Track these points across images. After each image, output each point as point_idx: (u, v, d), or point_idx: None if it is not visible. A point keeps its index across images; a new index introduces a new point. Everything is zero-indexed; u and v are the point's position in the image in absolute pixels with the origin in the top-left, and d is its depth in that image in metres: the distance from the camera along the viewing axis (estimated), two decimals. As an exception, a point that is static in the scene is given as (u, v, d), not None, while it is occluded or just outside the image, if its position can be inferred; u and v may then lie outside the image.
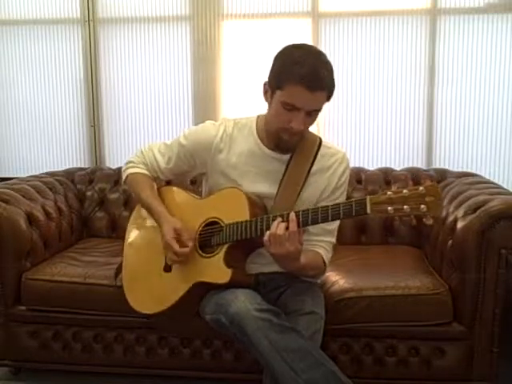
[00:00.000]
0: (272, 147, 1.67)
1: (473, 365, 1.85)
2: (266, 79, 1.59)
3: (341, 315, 1.85)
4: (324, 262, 1.70)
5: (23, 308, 2.04)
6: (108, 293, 1.96)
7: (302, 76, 1.47)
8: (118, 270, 1.94)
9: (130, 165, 1.86)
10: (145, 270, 1.80)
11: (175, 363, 2.00)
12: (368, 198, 1.36)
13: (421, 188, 1.29)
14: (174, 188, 1.88)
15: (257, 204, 1.64)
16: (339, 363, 1.79)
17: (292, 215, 1.46)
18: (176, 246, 1.61)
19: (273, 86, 1.56)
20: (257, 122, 1.72)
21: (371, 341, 1.89)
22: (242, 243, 1.59)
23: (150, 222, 1.82)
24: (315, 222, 1.46)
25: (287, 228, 1.45)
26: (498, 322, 1.81)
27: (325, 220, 1.45)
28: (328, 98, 1.55)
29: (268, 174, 1.69)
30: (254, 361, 1.58)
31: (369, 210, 1.35)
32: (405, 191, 1.30)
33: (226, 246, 1.61)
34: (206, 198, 1.78)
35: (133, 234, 1.91)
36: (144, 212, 1.84)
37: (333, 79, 1.53)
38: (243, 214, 1.59)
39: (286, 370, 1.45)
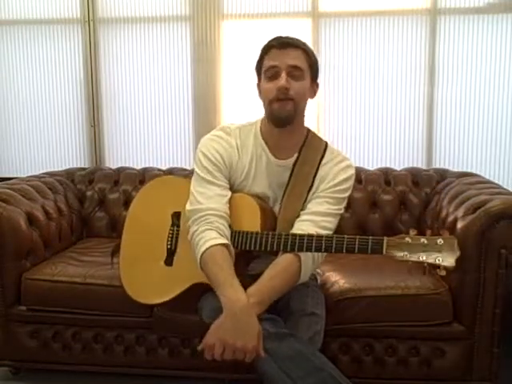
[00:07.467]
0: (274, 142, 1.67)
1: (473, 365, 1.86)
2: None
3: (341, 315, 1.85)
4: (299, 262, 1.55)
5: (23, 308, 2.04)
6: (108, 293, 1.96)
7: (270, 43, 1.60)
8: (115, 250, 1.92)
9: (202, 241, 1.55)
10: (144, 258, 1.78)
11: (175, 363, 2.00)
12: (385, 239, 1.38)
13: (439, 240, 1.31)
14: (170, 177, 1.79)
15: (268, 214, 1.63)
16: (339, 363, 1.79)
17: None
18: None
19: (258, 71, 1.65)
20: (261, 123, 1.71)
21: (371, 341, 1.89)
22: (248, 251, 1.58)
23: (152, 211, 1.80)
24: (328, 250, 1.47)
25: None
26: (497, 322, 1.81)
27: (339, 251, 1.46)
28: (308, 58, 1.60)
29: (273, 178, 1.67)
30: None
31: (384, 252, 1.37)
32: (423, 240, 1.32)
33: None
34: None
35: (134, 218, 1.88)
36: (147, 201, 1.81)
37: (308, 47, 1.62)
38: (254, 224, 1.57)
39: (283, 379, 1.40)
